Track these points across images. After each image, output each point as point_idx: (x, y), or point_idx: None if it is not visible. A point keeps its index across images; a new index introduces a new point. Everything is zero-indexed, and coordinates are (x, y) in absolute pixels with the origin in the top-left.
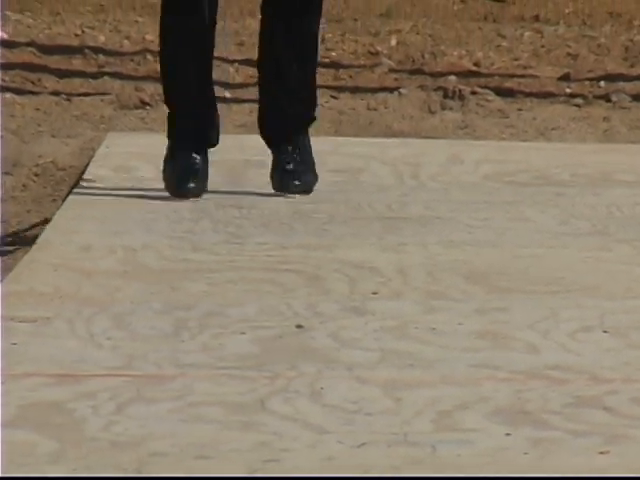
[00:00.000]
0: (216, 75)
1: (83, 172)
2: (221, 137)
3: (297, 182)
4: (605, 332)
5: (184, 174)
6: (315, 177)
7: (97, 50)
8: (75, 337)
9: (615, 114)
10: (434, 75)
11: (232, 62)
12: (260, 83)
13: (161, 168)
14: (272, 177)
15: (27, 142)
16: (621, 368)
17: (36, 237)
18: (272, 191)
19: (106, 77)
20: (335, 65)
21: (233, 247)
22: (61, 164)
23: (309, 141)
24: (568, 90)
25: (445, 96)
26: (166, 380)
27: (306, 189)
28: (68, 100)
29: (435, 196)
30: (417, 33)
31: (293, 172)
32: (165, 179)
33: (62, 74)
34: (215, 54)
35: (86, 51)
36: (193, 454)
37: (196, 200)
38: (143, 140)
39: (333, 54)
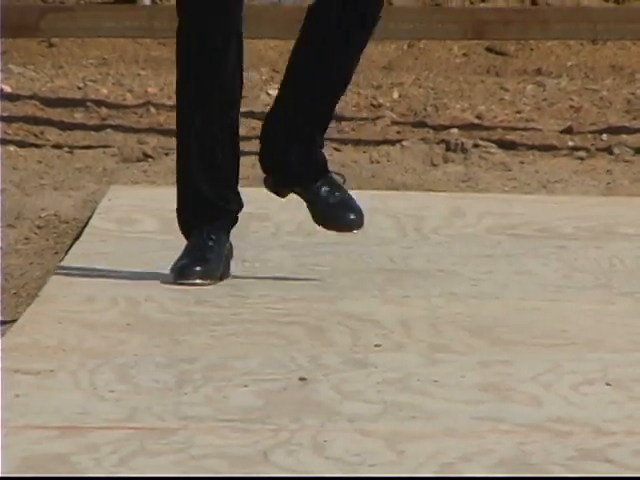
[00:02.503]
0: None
1: (86, 225)
2: None
3: (352, 215)
4: (608, 385)
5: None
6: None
7: (100, 103)
8: (78, 389)
9: (618, 167)
10: (436, 128)
11: None
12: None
13: (164, 220)
14: (319, 215)
15: (30, 195)
16: (624, 421)
17: (39, 289)
18: (274, 244)
19: (109, 130)
20: (337, 118)
21: (236, 300)
22: (64, 217)
23: None
24: (571, 143)
25: (447, 149)
26: (169, 433)
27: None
28: (70, 153)
29: (438, 249)
30: (419, 86)
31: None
32: None
33: (65, 127)
34: None
35: (88, 104)
36: None
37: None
38: (146, 193)
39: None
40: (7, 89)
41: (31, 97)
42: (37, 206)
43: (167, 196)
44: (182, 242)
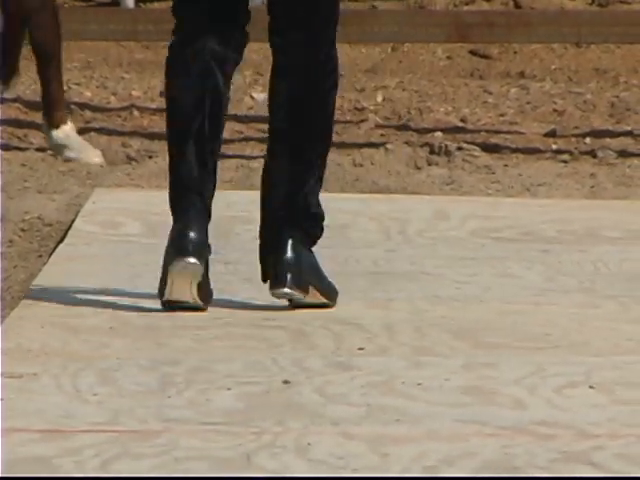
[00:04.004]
0: None
1: (69, 228)
2: None
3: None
4: (591, 388)
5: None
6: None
7: (84, 106)
8: (61, 393)
9: (601, 170)
10: (420, 131)
11: None
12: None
13: (148, 223)
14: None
15: (13, 198)
16: (607, 424)
17: (23, 292)
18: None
19: (92, 133)
20: None
21: (219, 303)
22: (47, 220)
23: None
24: (554, 146)
25: (431, 152)
26: (152, 436)
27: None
28: (54, 156)
29: (421, 252)
30: (403, 89)
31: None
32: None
33: None
34: None
35: (72, 107)
36: None
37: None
38: (130, 196)
39: None
40: None
41: (15, 100)
42: (21, 209)
43: (151, 199)
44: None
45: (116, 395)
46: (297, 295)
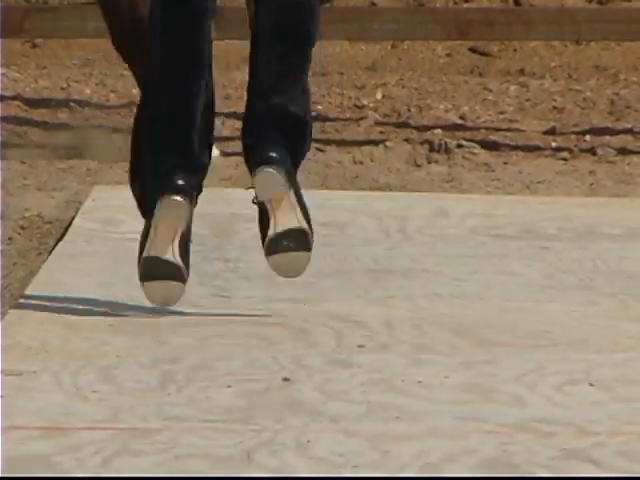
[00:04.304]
0: None
1: (69, 225)
2: (207, 190)
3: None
4: (591, 385)
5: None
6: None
7: (83, 103)
8: (61, 390)
9: (601, 168)
10: (420, 128)
11: (218, 115)
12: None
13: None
14: None
15: (13, 195)
16: (607, 421)
17: (22, 290)
18: (258, 244)
19: (92, 130)
20: (321, 118)
21: (220, 300)
22: (47, 217)
23: None
24: (554, 144)
25: (431, 149)
26: (152, 433)
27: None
28: (54, 153)
29: (421, 249)
30: (403, 87)
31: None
32: None
33: (48, 127)
34: None
35: (72, 104)
36: None
37: None
38: (129, 193)
39: (319, 107)
40: None
41: (14, 98)
42: (20, 206)
43: None
44: None
45: (116, 393)
46: (281, 183)
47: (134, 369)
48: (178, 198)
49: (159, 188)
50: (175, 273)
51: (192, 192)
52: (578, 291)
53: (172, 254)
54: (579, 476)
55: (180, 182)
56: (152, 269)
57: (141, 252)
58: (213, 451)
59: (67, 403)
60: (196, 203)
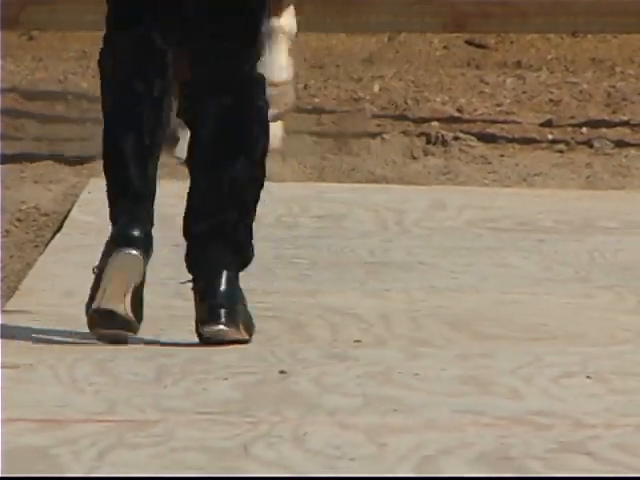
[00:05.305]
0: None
1: (66, 218)
2: None
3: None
4: (588, 378)
5: None
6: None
7: (80, 96)
8: (58, 383)
9: (597, 160)
10: (417, 121)
11: None
12: None
13: None
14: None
15: (9, 188)
16: (604, 414)
17: (19, 282)
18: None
19: (89, 123)
20: (318, 111)
21: None
22: (44, 210)
23: None
24: (550, 136)
25: (428, 142)
26: (148, 425)
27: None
28: (51, 146)
29: (418, 242)
30: (400, 79)
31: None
32: None
33: (45, 120)
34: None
35: (69, 97)
36: None
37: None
38: None
39: (316, 100)
40: None
41: (11, 90)
42: (17, 199)
43: None
44: (160, 234)
45: (112, 385)
46: (232, 334)
47: (130, 362)
48: (133, 252)
49: (113, 237)
50: (127, 326)
51: (148, 242)
52: (574, 284)
53: (124, 309)
54: (579, 477)
55: (135, 233)
56: (103, 321)
57: (91, 299)
58: (210, 443)
59: (64, 395)
60: (151, 253)
